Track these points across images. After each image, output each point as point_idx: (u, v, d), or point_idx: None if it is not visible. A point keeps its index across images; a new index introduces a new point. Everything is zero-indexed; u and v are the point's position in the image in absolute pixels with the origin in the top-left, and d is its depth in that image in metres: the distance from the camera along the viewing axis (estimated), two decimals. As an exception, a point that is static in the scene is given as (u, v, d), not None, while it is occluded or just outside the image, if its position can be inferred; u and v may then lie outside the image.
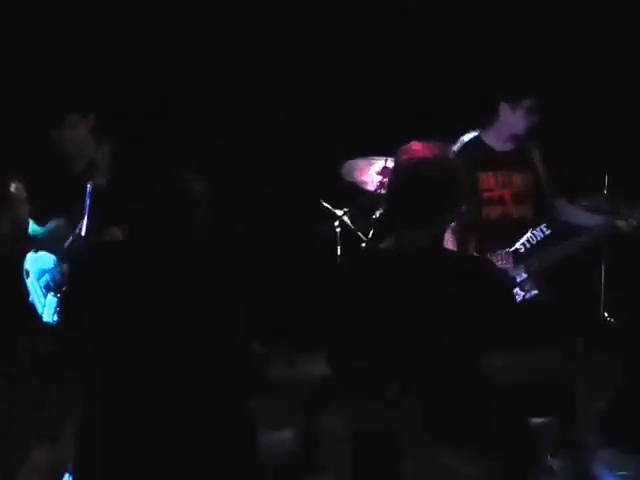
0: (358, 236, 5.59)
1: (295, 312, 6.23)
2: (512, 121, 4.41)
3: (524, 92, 4.36)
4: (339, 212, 5.73)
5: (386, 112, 6.16)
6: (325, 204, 5.77)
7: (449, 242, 4.26)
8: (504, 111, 4.41)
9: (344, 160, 5.51)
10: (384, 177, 5.22)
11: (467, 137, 4.49)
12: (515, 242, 4.39)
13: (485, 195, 4.47)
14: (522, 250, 4.39)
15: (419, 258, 2.69)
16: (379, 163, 5.34)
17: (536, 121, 4.39)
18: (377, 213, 5.35)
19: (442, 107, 5.88)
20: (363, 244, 5.45)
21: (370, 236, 5.39)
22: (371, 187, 5.42)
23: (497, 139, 4.50)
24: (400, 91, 6.24)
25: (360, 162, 5.49)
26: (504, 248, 4.38)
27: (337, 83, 6.37)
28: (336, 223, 5.74)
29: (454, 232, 4.35)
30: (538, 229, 4.37)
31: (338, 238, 5.74)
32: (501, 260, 4.35)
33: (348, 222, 5.69)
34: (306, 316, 5.99)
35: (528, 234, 4.36)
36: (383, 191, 5.28)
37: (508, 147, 4.51)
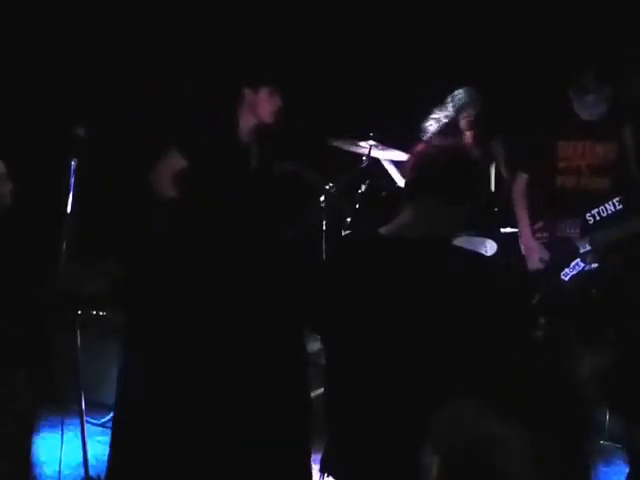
0: (342, 211, 5.32)
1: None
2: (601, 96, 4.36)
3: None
4: (325, 186, 5.18)
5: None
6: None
7: (520, 206, 4.46)
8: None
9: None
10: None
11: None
12: (586, 213, 4.37)
13: (561, 165, 4.44)
14: (591, 222, 4.34)
15: (419, 249, 2.52)
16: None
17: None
18: (362, 187, 5.42)
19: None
20: (348, 219, 5.33)
21: (355, 210, 5.39)
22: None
23: (585, 107, 4.41)
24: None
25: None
26: (574, 218, 4.37)
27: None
28: (322, 198, 5.17)
29: (525, 197, 4.46)
30: (610, 203, 4.30)
31: (323, 213, 5.20)
32: (569, 229, 4.36)
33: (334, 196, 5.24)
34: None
35: (599, 207, 4.32)
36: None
37: (595, 116, 4.42)
